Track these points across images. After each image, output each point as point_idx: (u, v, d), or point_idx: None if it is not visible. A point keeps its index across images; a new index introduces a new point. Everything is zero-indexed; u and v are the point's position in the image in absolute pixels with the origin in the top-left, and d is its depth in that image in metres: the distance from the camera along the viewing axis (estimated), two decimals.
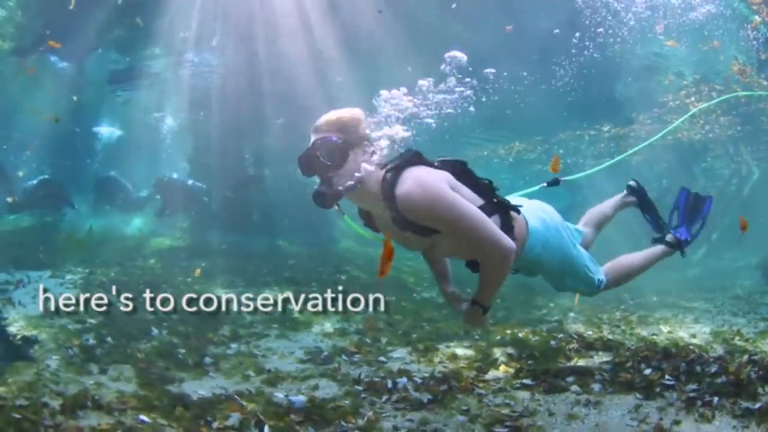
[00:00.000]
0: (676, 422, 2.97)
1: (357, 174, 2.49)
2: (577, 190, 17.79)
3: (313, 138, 2.53)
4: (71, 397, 3.73)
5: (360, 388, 4.12)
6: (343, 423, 3.42)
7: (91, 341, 5.33)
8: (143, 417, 3.53)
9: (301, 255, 11.37)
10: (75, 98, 15.68)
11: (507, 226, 2.69)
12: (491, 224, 2.54)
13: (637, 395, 3.51)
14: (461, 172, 2.71)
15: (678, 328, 6.39)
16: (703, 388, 3.39)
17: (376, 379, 4.19)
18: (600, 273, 3.25)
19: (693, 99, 12.52)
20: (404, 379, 4.03)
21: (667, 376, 3.64)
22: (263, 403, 3.83)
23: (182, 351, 5.33)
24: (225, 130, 14.33)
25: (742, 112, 14.02)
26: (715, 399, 3.21)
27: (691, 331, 6.12)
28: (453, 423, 3.33)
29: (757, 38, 9.41)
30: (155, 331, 5.82)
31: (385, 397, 3.83)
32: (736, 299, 9.16)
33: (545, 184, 3.24)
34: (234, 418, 3.49)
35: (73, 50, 12.57)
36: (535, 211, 2.99)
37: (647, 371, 3.80)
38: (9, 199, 14.06)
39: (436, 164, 2.65)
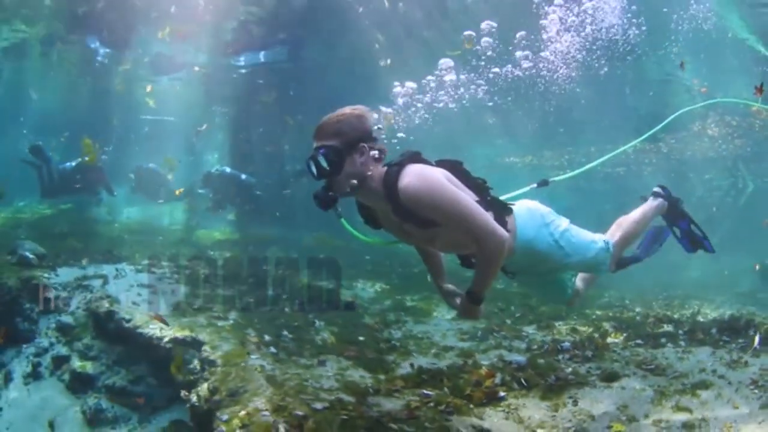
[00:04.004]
0: (740, 357, 4.89)
1: (354, 179, 2.60)
2: (576, 192, 19.21)
3: (314, 144, 2.66)
4: (348, 390, 3.88)
5: (537, 351, 5.32)
6: (559, 373, 4.19)
7: (267, 337, 5.39)
8: (426, 391, 3.77)
9: (351, 249, 11.06)
10: (149, 88, 15.67)
11: (500, 222, 2.79)
12: (486, 214, 2.65)
13: (710, 347, 5.16)
14: (457, 171, 2.83)
15: (709, 311, 8.69)
16: (748, 341, 5.43)
17: (545, 345, 5.60)
18: (603, 238, 3.40)
19: (712, 125, 14.05)
20: (567, 343, 5.39)
21: (724, 336, 5.77)
22: (489, 368, 4.37)
23: (361, 338, 5.74)
24: (266, 125, 14.60)
25: (756, 137, 15.45)
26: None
27: (719, 313, 8.40)
28: (616, 365, 4.55)
29: None
30: (317, 323, 6.21)
31: (560, 356, 4.96)
32: (741, 295, 11.13)
33: (535, 185, 3.36)
34: (498, 378, 4.04)
35: (116, 37, 12.49)
36: (522, 206, 3.16)
37: (711, 332, 5.97)
38: None
39: (434, 163, 2.80)
